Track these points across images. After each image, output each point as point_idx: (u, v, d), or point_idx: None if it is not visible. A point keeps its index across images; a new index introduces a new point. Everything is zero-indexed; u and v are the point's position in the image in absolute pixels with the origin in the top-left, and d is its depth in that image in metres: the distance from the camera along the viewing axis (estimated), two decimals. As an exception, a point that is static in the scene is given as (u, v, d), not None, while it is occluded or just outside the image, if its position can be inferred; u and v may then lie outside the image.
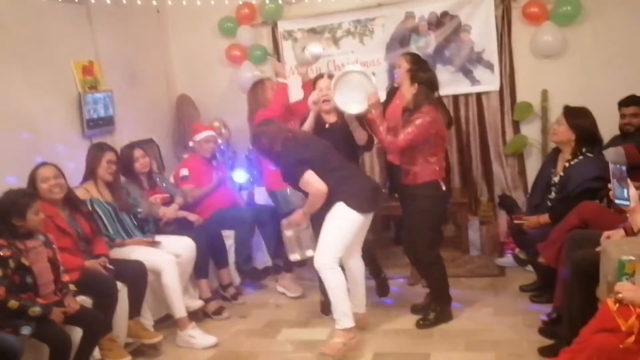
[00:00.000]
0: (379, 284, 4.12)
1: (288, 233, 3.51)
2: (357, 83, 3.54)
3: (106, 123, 4.70)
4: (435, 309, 3.70)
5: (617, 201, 2.25)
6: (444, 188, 3.57)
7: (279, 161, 3.45)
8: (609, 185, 2.27)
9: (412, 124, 3.42)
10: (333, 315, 3.40)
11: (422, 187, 3.53)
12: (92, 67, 4.64)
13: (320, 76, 3.93)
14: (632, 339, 2.10)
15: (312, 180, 3.29)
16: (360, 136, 3.76)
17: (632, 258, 2.30)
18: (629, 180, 2.22)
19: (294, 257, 3.57)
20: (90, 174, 3.88)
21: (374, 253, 4.18)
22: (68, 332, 2.98)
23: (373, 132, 3.65)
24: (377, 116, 3.49)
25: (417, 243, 3.63)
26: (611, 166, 2.26)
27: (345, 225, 3.32)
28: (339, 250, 3.32)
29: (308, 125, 3.79)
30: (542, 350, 3.11)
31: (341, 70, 3.78)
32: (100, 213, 3.81)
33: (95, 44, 4.75)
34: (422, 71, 3.60)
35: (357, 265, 3.62)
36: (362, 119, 3.69)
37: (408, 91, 3.53)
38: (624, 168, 2.24)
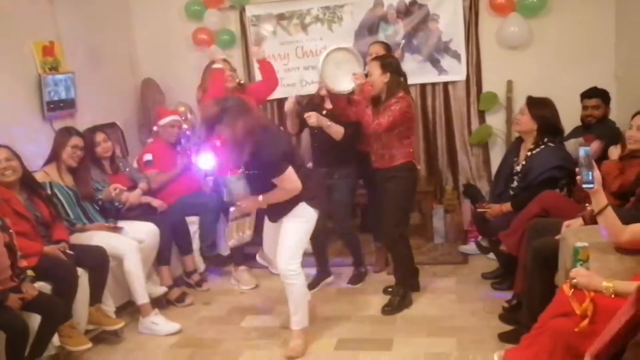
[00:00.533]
0: (356, 275, 4.23)
1: (233, 221, 3.37)
2: (344, 61, 3.59)
3: (67, 106, 4.58)
4: (399, 293, 3.76)
5: (583, 186, 2.32)
6: (418, 167, 3.80)
7: (252, 150, 3.04)
8: (577, 170, 2.35)
9: (389, 110, 3.51)
10: (293, 319, 3.29)
11: (400, 168, 3.64)
12: (53, 48, 4.50)
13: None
14: (585, 322, 2.15)
15: (293, 178, 3.07)
16: (337, 131, 3.79)
17: (586, 245, 2.37)
18: (594, 163, 2.31)
19: (233, 243, 3.47)
20: (54, 157, 3.79)
21: (359, 243, 4.28)
22: (25, 319, 2.91)
23: (358, 113, 3.60)
24: (364, 97, 3.54)
25: (386, 222, 3.71)
26: (580, 151, 2.33)
27: (310, 227, 3.26)
28: (300, 255, 3.24)
29: (291, 126, 3.88)
30: (502, 336, 3.16)
31: (330, 47, 3.72)
32: (61, 197, 3.72)
33: (56, 24, 4.60)
34: (392, 59, 3.73)
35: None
36: (335, 111, 3.67)
37: (379, 79, 3.58)
38: (588, 150, 2.33)
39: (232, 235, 3.40)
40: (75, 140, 3.81)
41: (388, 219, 3.69)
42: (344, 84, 3.68)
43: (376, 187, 3.89)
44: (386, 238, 3.85)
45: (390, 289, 3.88)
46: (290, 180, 3.07)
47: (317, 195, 3.27)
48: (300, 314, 3.28)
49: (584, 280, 2.26)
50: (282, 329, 3.53)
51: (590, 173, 2.30)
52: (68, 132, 3.87)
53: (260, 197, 3.16)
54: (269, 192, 3.13)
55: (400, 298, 3.74)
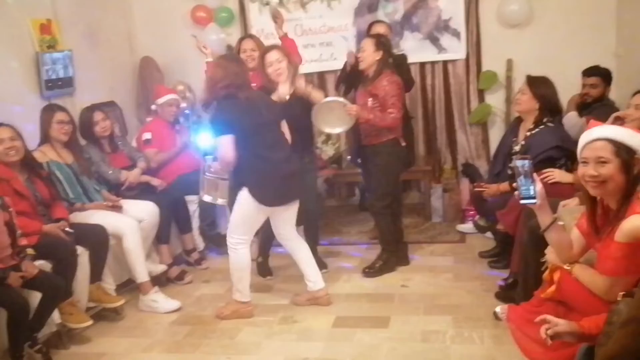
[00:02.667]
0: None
1: (209, 175, 3.58)
2: (332, 106, 3.73)
3: (66, 84, 4.57)
4: (382, 258, 3.97)
5: (522, 201, 2.14)
6: (403, 144, 3.90)
7: (212, 106, 3.42)
8: (514, 185, 2.20)
9: (389, 97, 3.69)
10: (233, 289, 3.53)
11: (385, 144, 3.80)
12: (50, 26, 4.47)
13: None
14: (552, 288, 2.24)
15: (224, 147, 3.24)
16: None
17: (562, 223, 2.38)
18: (535, 176, 2.14)
19: (207, 198, 3.65)
20: (45, 137, 3.79)
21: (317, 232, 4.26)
22: (26, 297, 2.95)
23: (374, 125, 3.76)
24: (367, 116, 3.68)
25: (372, 194, 3.98)
26: (516, 164, 2.13)
27: (246, 212, 3.36)
28: (243, 233, 3.42)
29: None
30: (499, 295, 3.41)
31: (317, 104, 3.77)
32: (60, 176, 3.73)
33: (53, 2, 4.56)
34: (385, 39, 3.87)
35: (295, 248, 3.61)
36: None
37: (372, 56, 3.72)
38: (529, 162, 2.13)
39: (209, 192, 3.61)
40: (60, 116, 3.80)
41: (373, 192, 3.95)
42: (337, 127, 3.86)
43: (369, 160, 3.96)
44: (370, 208, 4.08)
45: (367, 270, 3.99)
46: (222, 147, 3.26)
47: (265, 188, 3.30)
48: (235, 288, 3.51)
49: (552, 256, 2.34)
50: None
51: (531, 187, 2.11)
52: (50, 109, 3.86)
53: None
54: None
55: (382, 262, 3.96)
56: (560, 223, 2.34)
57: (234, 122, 3.23)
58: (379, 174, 3.88)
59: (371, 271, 3.96)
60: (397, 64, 4.07)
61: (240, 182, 3.35)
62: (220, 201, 3.68)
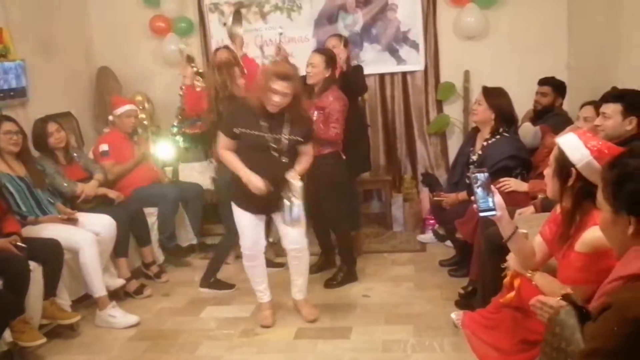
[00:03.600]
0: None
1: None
2: None
3: (18, 94, 4.44)
4: (343, 269, 4.01)
5: (481, 214, 2.13)
6: (343, 157, 3.94)
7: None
8: (472, 198, 2.19)
9: (335, 113, 3.75)
10: (302, 289, 3.58)
11: (327, 156, 3.81)
12: (2, 34, 4.35)
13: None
14: (512, 294, 2.27)
15: (221, 143, 3.30)
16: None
17: (524, 231, 2.43)
18: (493, 188, 2.15)
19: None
20: None
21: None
22: (-25, 315, 2.84)
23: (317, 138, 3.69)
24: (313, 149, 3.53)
25: (328, 210, 3.94)
26: (473, 177, 2.14)
27: (237, 216, 3.39)
28: (243, 240, 3.44)
29: None
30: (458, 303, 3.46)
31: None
32: (12, 189, 3.62)
33: (5, 10, 4.44)
34: (333, 55, 3.94)
35: (290, 255, 3.52)
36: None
37: (322, 72, 3.80)
38: (486, 175, 2.14)
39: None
40: (7, 126, 3.70)
41: (327, 204, 3.92)
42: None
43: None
44: (330, 222, 4.08)
45: (330, 282, 4.03)
46: (219, 142, 3.32)
47: (246, 197, 3.24)
48: (306, 282, 3.61)
49: (513, 263, 2.37)
50: (245, 318, 3.55)
51: (490, 199, 2.11)
52: None
53: (295, 173, 3.28)
54: (301, 164, 3.34)
55: (344, 274, 4.01)
56: (522, 231, 2.38)
57: (229, 122, 3.36)
58: (327, 185, 3.86)
59: (335, 283, 3.98)
60: (353, 75, 4.16)
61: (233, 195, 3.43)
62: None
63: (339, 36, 4.42)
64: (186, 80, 4.40)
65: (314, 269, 4.18)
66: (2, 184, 3.57)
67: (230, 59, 3.93)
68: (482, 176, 2.12)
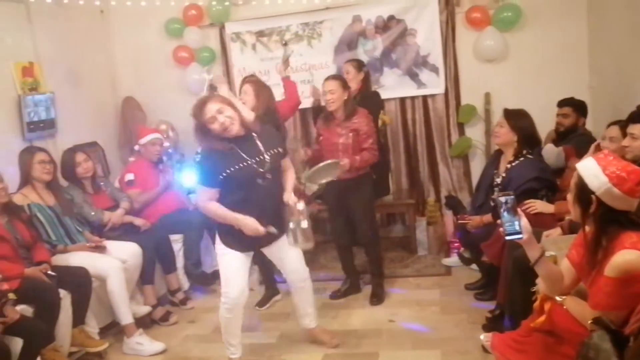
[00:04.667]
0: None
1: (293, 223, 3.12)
2: (329, 165, 3.73)
3: (48, 126, 4.57)
4: (345, 283, 4.24)
5: (508, 237, 2.11)
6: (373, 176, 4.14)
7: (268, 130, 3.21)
8: (498, 222, 2.17)
9: (367, 135, 3.88)
10: (313, 317, 3.53)
11: (363, 177, 3.99)
12: (33, 68, 4.49)
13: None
14: (542, 318, 2.22)
15: (202, 196, 3.05)
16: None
17: (553, 253, 2.40)
18: (519, 211, 2.11)
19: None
20: (26, 179, 3.77)
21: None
22: (7, 343, 2.89)
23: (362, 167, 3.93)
24: (356, 164, 3.82)
25: (362, 225, 4.06)
26: (499, 200, 2.12)
27: (223, 262, 3.13)
28: (229, 289, 3.12)
29: None
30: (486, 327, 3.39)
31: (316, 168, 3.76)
32: (42, 218, 3.70)
33: (35, 45, 4.60)
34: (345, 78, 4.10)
35: (295, 287, 3.42)
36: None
37: (341, 97, 3.88)
38: (512, 198, 2.11)
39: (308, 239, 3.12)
40: (40, 156, 3.80)
41: (363, 222, 4.05)
42: (326, 179, 3.81)
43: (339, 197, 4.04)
44: (363, 238, 4.14)
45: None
46: (199, 197, 3.12)
47: (233, 234, 3.07)
48: (315, 310, 3.56)
49: (542, 286, 2.33)
50: (270, 344, 3.54)
51: (516, 222, 2.09)
52: (29, 151, 3.86)
53: (290, 189, 3.12)
54: (288, 181, 3.18)
55: (347, 286, 4.22)
56: (550, 254, 2.36)
57: (213, 173, 3.16)
58: (363, 205, 4.02)
59: (377, 300, 4.08)
60: (367, 100, 4.27)
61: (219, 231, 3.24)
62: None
63: (353, 62, 4.54)
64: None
65: (339, 294, 4.22)
66: (33, 213, 3.65)
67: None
68: (508, 199, 2.11)
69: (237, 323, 3.25)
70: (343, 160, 3.76)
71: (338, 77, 4.05)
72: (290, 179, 3.18)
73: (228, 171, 2.93)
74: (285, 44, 4.92)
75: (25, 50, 4.51)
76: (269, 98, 3.97)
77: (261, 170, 2.99)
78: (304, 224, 2.98)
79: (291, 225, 2.99)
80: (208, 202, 2.99)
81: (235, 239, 3.05)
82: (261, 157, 3.00)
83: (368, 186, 4.06)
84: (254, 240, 3.04)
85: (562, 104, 4.36)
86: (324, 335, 3.53)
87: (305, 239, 3.02)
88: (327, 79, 3.98)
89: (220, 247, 3.13)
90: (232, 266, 3.11)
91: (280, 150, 3.10)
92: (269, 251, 3.27)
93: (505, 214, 2.10)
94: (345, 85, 3.93)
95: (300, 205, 2.99)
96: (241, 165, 2.95)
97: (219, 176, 2.93)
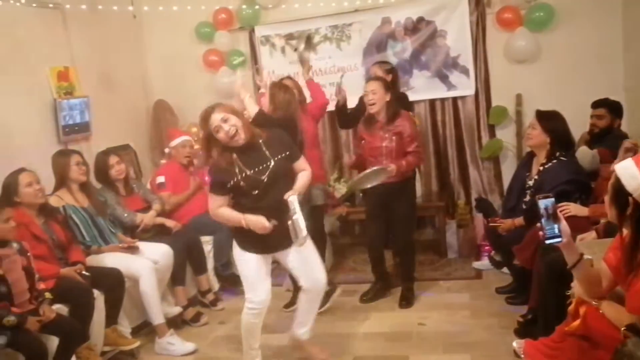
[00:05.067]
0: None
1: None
2: (376, 171, 3.77)
3: (82, 129, 4.66)
4: (375, 286, 4.22)
5: (547, 241, 2.10)
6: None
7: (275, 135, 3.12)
8: (538, 225, 2.14)
9: (411, 138, 3.86)
10: (311, 326, 3.32)
11: (408, 180, 4.02)
12: (68, 73, 4.60)
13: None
14: (577, 322, 2.19)
15: (213, 203, 3.03)
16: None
17: (589, 257, 2.36)
18: (559, 214, 2.11)
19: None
20: (62, 181, 3.84)
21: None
22: (44, 341, 2.94)
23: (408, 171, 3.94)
24: (402, 170, 3.81)
25: (403, 229, 4.06)
26: (538, 203, 2.10)
27: (244, 267, 3.11)
28: (255, 293, 3.11)
29: None
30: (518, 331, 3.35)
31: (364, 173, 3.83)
32: (76, 220, 3.77)
33: (70, 50, 4.71)
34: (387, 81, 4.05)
35: (309, 295, 3.28)
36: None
37: (383, 99, 3.84)
38: (552, 201, 2.10)
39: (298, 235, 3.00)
40: (76, 158, 3.88)
41: (405, 227, 4.06)
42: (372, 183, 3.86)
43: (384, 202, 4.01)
44: (402, 245, 4.16)
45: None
46: (211, 204, 3.04)
47: (250, 237, 3.04)
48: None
49: (578, 290, 2.30)
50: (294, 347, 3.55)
51: (555, 226, 2.08)
52: (64, 153, 3.94)
53: (294, 191, 2.99)
54: (298, 182, 3.04)
55: (376, 290, 4.20)
56: (587, 257, 2.32)
57: (218, 180, 3.16)
58: (406, 209, 4.03)
59: (406, 303, 4.06)
60: (399, 101, 4.18)
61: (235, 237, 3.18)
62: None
63: (381, 63, 4.51)
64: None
65: (369, 297, 4.20)
66: (68, 214, 3.73)
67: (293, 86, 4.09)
68: (547, 202, 2.09)
69: (259, 326, 3.24)
70: (390, 166, 3.75)
71: (380, 78, 4.04)
72: (300, 179, 3.07)
73: (232, 182, 2.93)
74: (296, 49, 4.94)
75: (61, 55, 4.62)
76: (285, 103, 3.82)
77: (262, 178, 2.93)
78: (295, 216, 2.88)
79: (289, 223, 2.91)
80: (218, 208, 3.00)
81: (251, 241, 3.02)
82: (263, 166, 2.96)
83: (411, 190, 4.09)
84: (268, 242, 3.00)
85: (596, 104, 4.27)
86: (313, 348, 3.37)
87: (295, 232, 2.90)
88: (369, 80, 4.00)
89: (237, 252, 3.12)
90: (252, 269, 3.08)
91: (287, 153, 3.04)
92: (288, 259, 3.16)
93: (544, 217, 2.09)
94: (387, 86, 3.90)
95: (293, 198, 2.91)
96: (242, 176, 2.93)
97: (226, 185, 2.95)
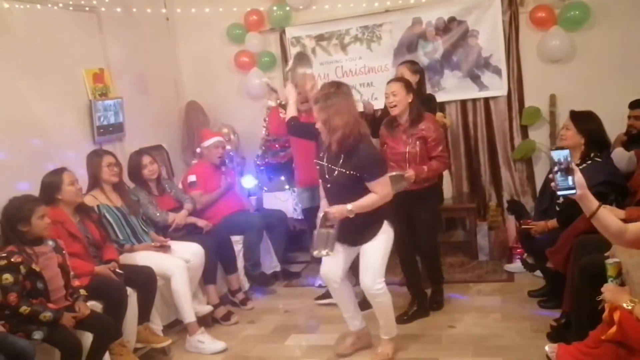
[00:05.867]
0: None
1: (323, 229, 3.22)
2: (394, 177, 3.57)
3: (116, 130, 4.75)
4: (440, 290, 4.07)
5: (560, 193, 2.02)
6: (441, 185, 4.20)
7: (356, 151, 3.12)
8: (550, 176, 2.06)
9: (436, 142, 3.71)
10: (383, 330, 3.39)
11: (431, 188, 3.86)
12: (103, 75, 4.69)
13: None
14: (613, 329, 2.14)
15: (388, 184, 3.17)
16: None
17: (617, 260, 2.32)
18: (574, 166, 1.99)
19: (320, 253, 3.26)
20: (95, 181, 3.91)
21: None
22: (79, 337, 3.01)
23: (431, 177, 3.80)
24: (423, 175, 3.66)
25: (426, 236, 3.90)
26: (551, 154, 2.03)
27: (391, 243, 3.30)
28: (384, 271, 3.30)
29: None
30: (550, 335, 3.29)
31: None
32: (110, 219, 3.84)
33: (105, 52, 4.80)
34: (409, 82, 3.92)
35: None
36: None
37: (404, 100, 3.70)
38: (566, 153, 2.00)
39: (321, 246, 3.22)
40: (108, 159, 3.93)
41: (427, 234, 3.90)
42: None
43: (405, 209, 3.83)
44: (425, 252, 3.99)
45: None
46: (385, 185, 3.15)
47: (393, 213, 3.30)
48: (389, 325, 3.39)
49: (610, 295, 2.26)
50: (330, 347, 3.56)
51: (570, 178, 1.98)
52: (98, 154, 4.00)
53: (349, 206, 3.10)
54: (359, 200, 3.10)
55: (416, 308, 3.92)
56: (614, 261, 2.28)
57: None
58: (428, 217, 3.88)
59: (437, 305, 4.01)
60: (422, 104, 3.99)
61: (379, 218, 3.23)
62: (329, 252, 3.23)
63: (407, 63, 4.41)
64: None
65: (407, 318, 3.89)
66: (102, 214, 3.80)
67: None
68: (562, 154, 2.00)
69: (339, 299, 3.46)
70: (408, 172, 3.58)
71: (401, 79, 3.89)
72: (362, 200, 3.11)
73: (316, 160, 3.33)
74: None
75: (96, 57, 4.71)
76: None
77: (328, 177, 3.21)
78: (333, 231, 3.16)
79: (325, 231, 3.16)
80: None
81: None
82: (334, 168, 3.18)
83: (435, 198, 3.97)
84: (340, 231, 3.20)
85: (634, 105, 4.17)
86: (379, 347, 3.41)
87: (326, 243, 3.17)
88: (390, 82, 3.83)
89: (386, 230, 3.30)
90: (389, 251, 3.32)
91: (353, 172, 3.11)
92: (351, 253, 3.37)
93: (558, 169, 2.00)
94: (409, 88, 3.73)
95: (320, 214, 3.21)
96: (319, 162, 3.28)
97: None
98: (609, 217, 2.10)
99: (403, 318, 3.84)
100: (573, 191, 1.99)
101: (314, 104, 3.18)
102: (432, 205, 3.92)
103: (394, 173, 3.53)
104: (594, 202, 2.06)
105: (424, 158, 3.71)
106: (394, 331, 3.41)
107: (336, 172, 3.16)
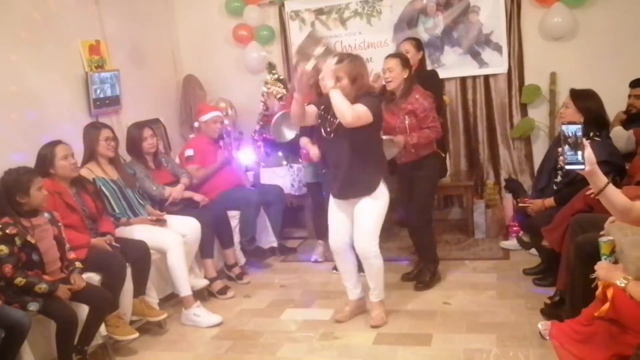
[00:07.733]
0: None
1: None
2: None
3: (112, 102, 4.72)
4: (430, 269, 4.02)
5: (568, 167, 2.02)
6: (442, 155, 4.17)
7: (359, 100, 3.22)
8: (559, 150, 2.04)
9: (428, 112, 3.74)
10: (373, 293, 3.54)
11: (427, 158, 3.87)
12: (99, 47, 4.64)
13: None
14: (607, 306, 2.15)
15: (365, 114, 3.17)
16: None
17: (611, 238, 2.32)
18: (584, 141, 1.98)
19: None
20: (91, 154, 3.88)
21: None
22: (74, 309, 3.03)
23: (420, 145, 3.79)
24: (412, 141, 3.71)
25: (415, 208, 3.95)
26: (562, 129, 2.01)
27: (386, 206, 3.43)
28: (328, 233, 3.53)
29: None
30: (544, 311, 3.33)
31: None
32: (106, 192, 3.83)
33: (102, 24, 4.74)
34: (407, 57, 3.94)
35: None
36: None
37: (400, 75, 3.75)
38: (579, 132, 1.98)
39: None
40: (105, 133, 3.90)
41: (416, 206, 3.94)
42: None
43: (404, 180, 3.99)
44: (413, 223, 4.03)
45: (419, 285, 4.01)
46: (363, 114, 3.16)
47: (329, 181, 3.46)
48: (379, 289, 3.52)
49: (603, 272, 2.27)
50: (324, 322, 3.58)
51: (579, 153, 1.95)
52: (95, 127, 3.96)
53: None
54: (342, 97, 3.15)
55: (431, 274, 3.99)
56: (608, 239, 2.31)
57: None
58: (422, 187, 3.91)
59: (423, 285, 3.97)
60: (426, 81, 4.06)
61: (377, 173, 3.37)
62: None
63: (412, 40, 4.41)
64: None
65: (409, 276, 4.12)
66: (98, 187, 3.79)
67: None
68: (574, 128, 1.98)
69: (342, 266, 3.59)
70: (397, 137, 3.69)
71: (398, 54, 3.93)
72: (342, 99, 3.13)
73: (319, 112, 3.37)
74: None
75: (92, 29, 4.65)
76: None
77: (328, 128, 3.32)
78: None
79: None
80: None
81: (329, 182, 3.55)
82: (332, 119, 3.28)
83: (432, 169, 3.94)
84: (336, 188, 3.41)
85: (635, 84, 4.14)
86: (372, 312, 3.55)
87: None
88: (387, 57, 3.87)
89: (383, 191, 3.42)
90: (329, 213, 3.50)
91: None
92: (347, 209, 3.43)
93: (567, 143, 1.98)
94: (405, 63, 3.79)
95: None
96: (320, 113, 3.36)
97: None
98: (616, 194, 2.08)
99: (409, 276, 4.10)
100: (582, 166, 1.97)
101: (336, 63, 3.19)
102: (428, 175, 3.91)
103: (385, 137, 3.65)
104: (603, 179, 2.03)
105: (416, 130, 3.74)
106: (382, 294, 3.55)
107: (337, 122, 3.24)
